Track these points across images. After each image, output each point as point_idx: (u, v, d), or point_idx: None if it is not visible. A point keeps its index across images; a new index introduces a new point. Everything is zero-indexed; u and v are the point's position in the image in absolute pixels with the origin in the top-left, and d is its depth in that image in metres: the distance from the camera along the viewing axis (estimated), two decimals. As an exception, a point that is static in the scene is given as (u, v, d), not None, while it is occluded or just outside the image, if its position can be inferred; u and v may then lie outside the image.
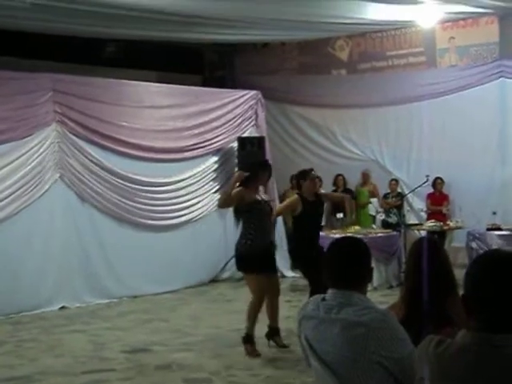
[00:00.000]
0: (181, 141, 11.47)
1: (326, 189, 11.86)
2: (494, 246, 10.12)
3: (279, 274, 9.21)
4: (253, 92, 12.55)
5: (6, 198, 9.52)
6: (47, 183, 9.96)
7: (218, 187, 11.80)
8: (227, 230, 11.23)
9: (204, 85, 13.59)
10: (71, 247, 10.14)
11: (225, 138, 12.03)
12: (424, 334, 2.24)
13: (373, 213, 12.79)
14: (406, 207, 12.61)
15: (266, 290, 7.26)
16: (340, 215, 10.81)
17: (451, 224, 11.65)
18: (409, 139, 13.17)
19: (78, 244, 10.25)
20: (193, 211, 11.62)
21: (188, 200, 11.56)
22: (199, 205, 11.69)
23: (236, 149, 11.98)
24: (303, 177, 7.84)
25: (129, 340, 8.05)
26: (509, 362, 1.89)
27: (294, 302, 9.08)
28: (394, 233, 11.36)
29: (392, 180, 12.81)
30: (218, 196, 11.19)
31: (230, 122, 12.13)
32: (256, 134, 12.37)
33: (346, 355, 2.66)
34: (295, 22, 10.87)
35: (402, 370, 2.59)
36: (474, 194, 11.94)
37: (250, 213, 7.18)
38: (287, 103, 14.15)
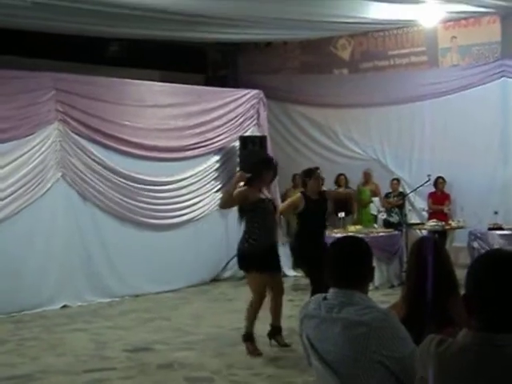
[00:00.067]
0: (183, 140, 11.47)
1: (327, 188, 11.83)
2: (496, 246, 10.10)
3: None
4: (255, 91, 12.56)
5: (7, 196, 9.52)
6: (49, 182, 9.96)
7: (219, 186, 11.81)
8: (229, 229, 11.25)
9: (207, 84, 13.60)
10: (73, 246, 10.15)
11: (227, 137, 12.03)
12: (425, 333, 2.24)
13: (374, 212, 12.77)
14: (407, 207, 12.61)
15: (270, 289, 7.26)
16: (342, 214, 10.80)
17: (453, 224, 11.64)
18: (411, 139, 13.17)
19: (80, 243, 10.26)
20: (194, 210, 11.63)
21: (190, 199, 11.56)
22: (201, 204, 11.70)
23: (238, 148, 11.98)
24: (309, 175, 7.86)
25: (130, 339, 8.05)
26: (510, 361, 1.89)
27: (296, 301, 9.08)
28: (396, 232, 11.36)
29: (394, 179, 12.81)
30: (219, 195, 11.20)
31: (232, 121, 12.14)
32: (258, 134, 12.37)
33: (347, 354, 2.67)
34: (298, 21, 10.87)
35: (404, 370, 2.59)
36: (475, 194, 11.94)
37: (253, 212, 7.15)
38: (289, 102, 14.15)
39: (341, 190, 11.68)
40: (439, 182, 12.18)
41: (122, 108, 10.80)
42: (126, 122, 10.83)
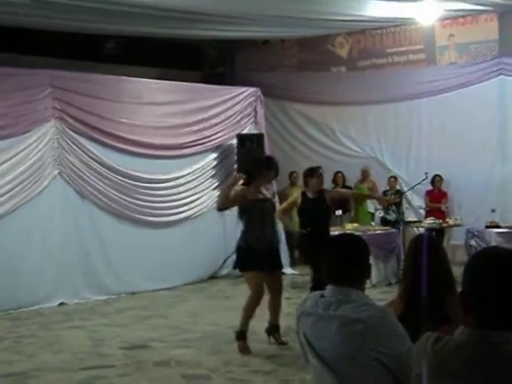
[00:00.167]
0: (180, 137, 11.46)
1: (325, 186, 11.81)
2: (493, 244, 10.11)
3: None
4: (252, 89, 12.55)
5: (4, 194, 9.51)
6: (46, 179, 9.95)
7: (217, 184, 11.81)
8: (226, 227, 11.25)
9: (204, 81, 13.58)
10: (70, 244, 10.14)
11: (224, 135, 12.03)
12: (422, 331, 2.24)
13: (372, 210, 12.80)
14: (404, 204, 12.61)
15: (269, 287, 7.25)
16: (339, 212, 10.80)
17: (450, 221, 11.66)
18: (408, 136, 13.17)
19: (77, 240, 10.25)
20: (192, 208, 11.62)
21: (187, 197, 11.56)
22: (198, 201, 11.69)
23: (235, 146, 11.97)
24: (311, 174, 7.86)
25: (127, 336, 8.05)
26: (506, 358, 1.89)
27: (294, 299, 9.08)
28: (393, 230, 11.38)
29: (391, 177, 12.82)
30: (217, 193, 11.20)
31: (230, 119, 12.13)
32: (255, 131, 12.36)
33: (344, 352, 2.67)
34: (295, 18, 10.86)
35: (401, 367, 2.59)
36: (473, 192, 11.94)
37: (252, 211, 7.14)
38: (287, 100, 14.14)
39: (343, 190, 11.65)
40: (436, 179, 12.20)
41: (119, 105, 10.79)
42: (123, 120, 10.81)
